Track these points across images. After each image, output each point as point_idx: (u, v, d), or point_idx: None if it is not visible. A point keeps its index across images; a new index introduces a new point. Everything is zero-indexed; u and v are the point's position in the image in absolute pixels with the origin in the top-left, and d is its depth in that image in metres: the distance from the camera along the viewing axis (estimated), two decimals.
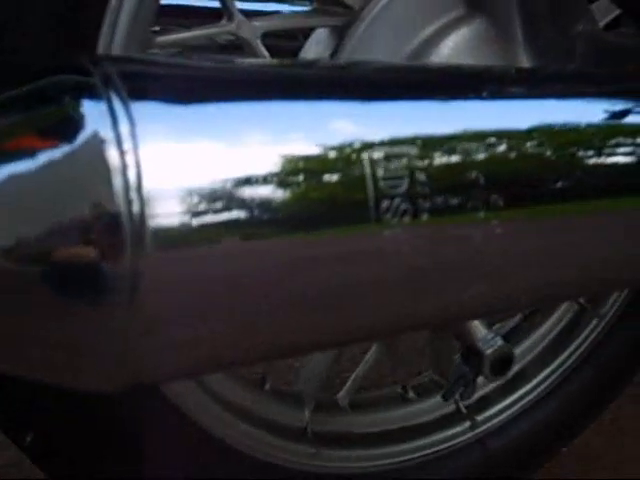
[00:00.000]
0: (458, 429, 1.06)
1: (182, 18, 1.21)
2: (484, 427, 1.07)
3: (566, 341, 1.13)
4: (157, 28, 0.79)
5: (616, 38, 0.84)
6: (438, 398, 1.05)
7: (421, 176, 0.45)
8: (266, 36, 0.80)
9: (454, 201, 0.46)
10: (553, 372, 1.12)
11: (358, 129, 0.45)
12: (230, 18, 0.78)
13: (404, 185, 0.45)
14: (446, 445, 1.05)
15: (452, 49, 0.79)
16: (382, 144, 0.45)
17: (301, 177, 0.43)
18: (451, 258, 0.48)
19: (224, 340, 0.42)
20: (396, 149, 0.46)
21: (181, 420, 0.83)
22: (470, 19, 0.81)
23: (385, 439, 1.02)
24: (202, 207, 0.40)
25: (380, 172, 0.44)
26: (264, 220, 0.41)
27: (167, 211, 0.39)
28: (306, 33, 0.87)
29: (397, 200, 0.44)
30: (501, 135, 0.51)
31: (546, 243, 0.53)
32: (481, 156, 0.48)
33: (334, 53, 0.78)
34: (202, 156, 0.40)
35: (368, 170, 0.43)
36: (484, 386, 1.10)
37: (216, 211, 0.40)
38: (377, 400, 1.05)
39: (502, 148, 0.51)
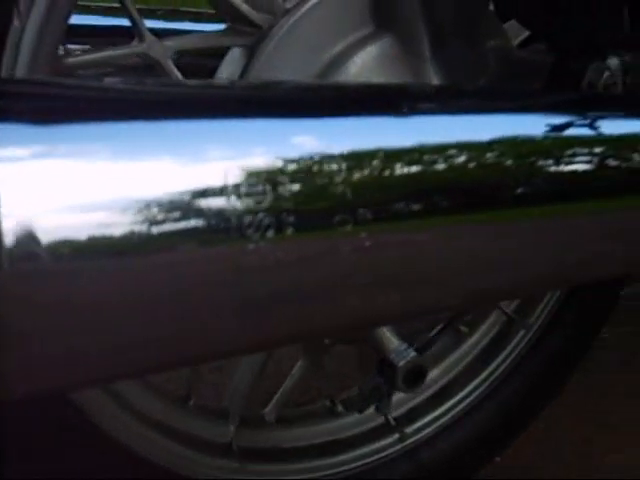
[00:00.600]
0: (387, 441, 1.07)
1: (92, 38, 1.22)
2: (413, 439, 1.08)
3: (495, 352, 1.14)
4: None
5: (527, 54, 0.86)
6: (367, 411, 1.06)
7: (285, 191, 0.46)
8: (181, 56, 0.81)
9: (320, 216, 0.47)
10: (483, 382, 1.14)
11: (223, 146, 0.47)
12: (141, 39, 0.79)
13: (267, 200, 0.46)
14: (375, 457, 1.06)
15: (360, 67, 0.80)
16: (244, 161, 0.46)
17: (161, 194, 0.44)
18: (318, 272, 0.49)
19: (76, 357, 0.43)
20: (259, 165, 0.47)
21: (101, 438, 0.83)
22: (378, 37, 0.82)
23: (313, 453, 1.03)
24: (55, 224, 0.41)
25: (243, 188, 0.45)
26: (125, 236, 0.42)
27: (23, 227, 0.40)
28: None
29: (260, 215, 0.46)
30: (368, 153, 0.52)
31: (410, 255, 0.54)
32: (347, 172, 0.50)
33: (243, 72, 0.79)
34: (55, 175, 0.41)
35: (231, 187, 0.45)
36: (413, 398, 1.11)
37: (71, 228, 0.41)
38: (305, 415, 1.06)
39: (367, 164, 0.52)
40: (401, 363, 0.82)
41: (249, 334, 0.48)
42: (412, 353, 0.82)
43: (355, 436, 1.06)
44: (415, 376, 0.83)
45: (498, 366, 1.13)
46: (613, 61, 0.89)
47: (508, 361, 1.14)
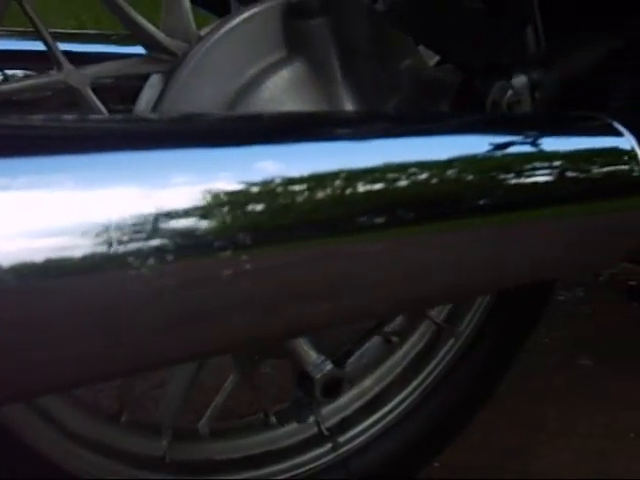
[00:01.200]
0: (320, 451, 1.10)
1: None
2: (346, 448, 1.11)
3: (425, 360, 1.17)
4: None
5: (440, 74, 0.89)
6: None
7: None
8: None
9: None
10: (414, 390, 1.17)
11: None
12: (59, 67, 0.81)
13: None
14: (309, 467, 1.09)
15: (272, 91, 0.83)
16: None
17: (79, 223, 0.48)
18: (225, 292, 0.53)
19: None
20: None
21: (32, 457, 0.85)
22: (290, 61, 0.85)
23: (247, 464, 1.06)
24: None
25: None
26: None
27: None
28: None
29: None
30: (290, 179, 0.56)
31: (320, 270, 0.57)
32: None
33: (159, 99, 0.81)
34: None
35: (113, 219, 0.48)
36: (346, 408, 1.14)
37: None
38: (239, 427, 1.08)
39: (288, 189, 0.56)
40: (318, 376, 0.85)
41: (168, 348, 0.51)
42: (329, 365, 0.85)
43: (289, 447, 1.09)
44: (333, 387, 0.86)
45: (429, 374, 1.17)
46: (519, 79, 0.92)
47: (438, 369, 1.17)
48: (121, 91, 0.95)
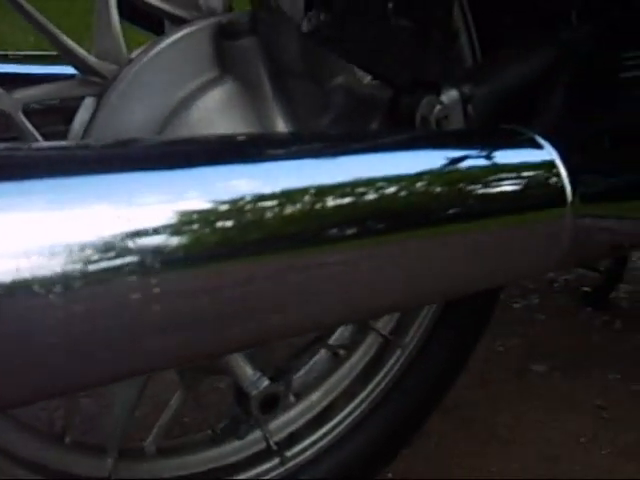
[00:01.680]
0: (268, 465, 1.11)
1: None
2: (294, 462, 1.12)
3: (373, 372, 1.19)
4: None
5: (371, 90, 0.90)
6: (248, 437, 1.09)
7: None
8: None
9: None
10: (362, 402, 1.18)
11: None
12: None
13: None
14: None
15: (204, 111, 0.84)
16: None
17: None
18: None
19: None
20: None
21: None
22: (221, 81, 0.86)
23: None
24: None
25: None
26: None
27: None
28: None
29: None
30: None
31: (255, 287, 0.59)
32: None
33: (90, 122, 0.82)
34: None
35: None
36: (294, 422, 1.15)
37: None
38: (186, 444, 1.09)
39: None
40: (254, 392, 0.86)
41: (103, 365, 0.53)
42: (265, 382, 0.86)
43: (237, 462, 1.09)
44: (269, 403, 0.87)
45: (377, 386, 1.18)
46: (450, 94, 0.94)
47: (386, 380, 1.18)
48: (59, 113, 0.96)
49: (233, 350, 0.76)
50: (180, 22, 0.87)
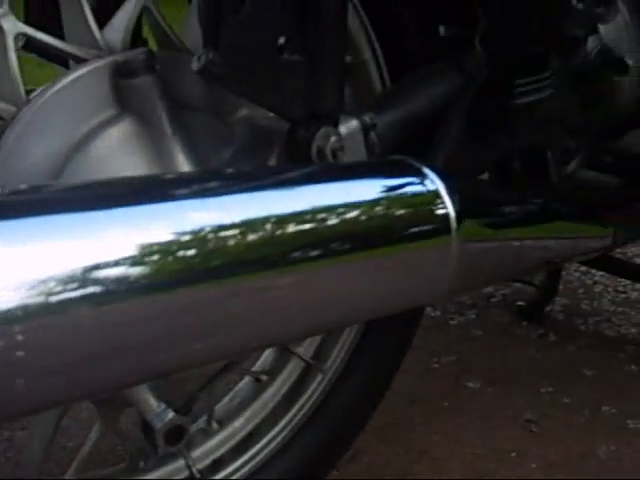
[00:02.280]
0: None
1: None
2: None
3: (295, 397, 1.20)
4: None
5: (270, 122, 0.92)
6: (171, 466, 1.11)
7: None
8: None
9: None
10: (286, 426, 1.20)
11: None
12: None
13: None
14: None
15: (103, 150, 0.86)
16: None
17: None
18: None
19: None
20: None
21: None
22: (120, 119, 0.87)
23: None
24: None
25: None
26: None
27: None
28: None
29: None
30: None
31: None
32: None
33: None
34: None
35: None
36: (217, 449, 1.16)
37: None
38: (110, 474, 1.10)
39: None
40: (159, 425, 0.87)
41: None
42: (170, 414, 0.87)
43: None
44: (175, 435, 0.88)
45: (299, 410, 1.20)
46: (350, 124, 0.96)
47: (309, 404, 1.20)
48: None
49: (141, 381, 0.77)
50: (81, 61, 0.89)
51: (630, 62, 1.31)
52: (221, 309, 0.71)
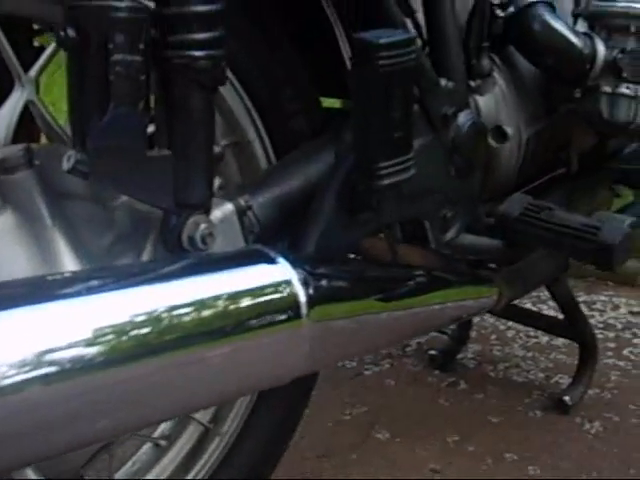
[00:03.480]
0: None
1: None
2: None
3: (194, 460, 1.26)
4: None
5: (147, 208, 0.98)
6: None
7: None
8: None
9: None
10: None
11: None
12: None
13: None
14: None
15: None
16: None
17: None
18: None
19: None
20: None
21: None
22: (1, 211, 0.93)
23: None
24: None
25: None
26: None
27: None
28: None
29: None
30: None
31: None
32: None
33: None
34: None
35: None
36: None
37: None
38: None
39: None
40: None
41: None
42: None
43: None
44: None
45: (198, 472, 1.25)
46: (225, 208, 1.03)
47: (207, 467, 1.26)
48: None
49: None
50: None
51: (508, 130, 1.39)
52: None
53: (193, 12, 0.88)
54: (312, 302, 0.85)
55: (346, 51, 1.19)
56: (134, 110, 0.84)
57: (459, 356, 2.09)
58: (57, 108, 1.12)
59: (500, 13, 1.37)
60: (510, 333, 2.23)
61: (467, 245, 1.33)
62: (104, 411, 0.79)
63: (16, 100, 1.00)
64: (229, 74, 1.07)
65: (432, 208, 1.23)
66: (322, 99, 1.30)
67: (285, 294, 0.85)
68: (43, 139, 1.10)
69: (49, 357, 0.71)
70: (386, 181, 1.01)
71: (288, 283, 0.85)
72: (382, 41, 0.97)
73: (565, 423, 1.83)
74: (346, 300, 0.94)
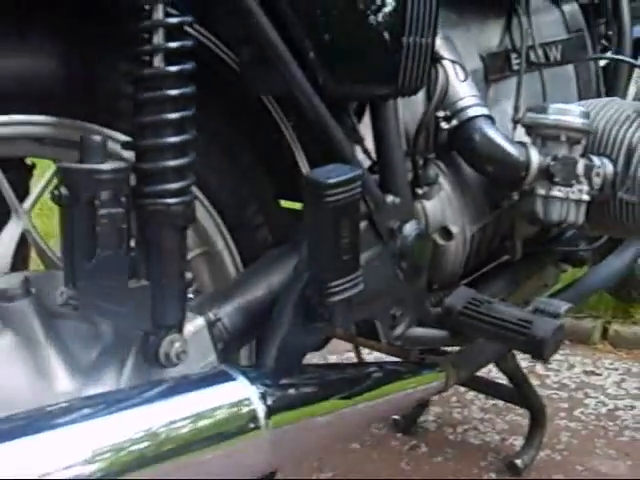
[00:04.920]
0: None
1: None
2: None
3: None
4: None
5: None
6: None
7: None
8: None
9: None
10: None
11: None
12: None
13: None
14: None
15: None
16: None
17: None
18: None
19: None
20: None
21: None
22: (1, 334, 1.09)
23: None
24: None
25: None
26: None
27: None
28: None
29: None
30: None
31: None
32: None
33: None
34: None
35: None
36: None
37: None
38: None
39: None
40: None
41: None
42: None
43: None
44: None
45: None
46: (197, 322, 1.19)
47: None
48: None
49: None
50: None
51: (454, 229, 1.56)
52: None
53: (166, 166, 1.05)
54: (270, 413, 1.01)
55: (302, 163, 1.36)
56: (118, 252, 1.01)
57: (421, 419, 2.24)
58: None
59: (445, 125, 1.53)
60: (469, 395, 2.39)
61: (416, 337, 1.49)
62: None
63: (13, 230, 1.15)
64: (200, 195, 1.24)
65: (381, 310, 1.40)
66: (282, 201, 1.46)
67: (244, 410, 1.01)
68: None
69: None
70: (337, 297, 1.18)
71: (248, 400, 1.01)
72: (330, 181, 1.13)
73: None
74: (303, 405, 1.10)
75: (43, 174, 1.21)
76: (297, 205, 1.46)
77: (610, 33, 2.11)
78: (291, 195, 1.46)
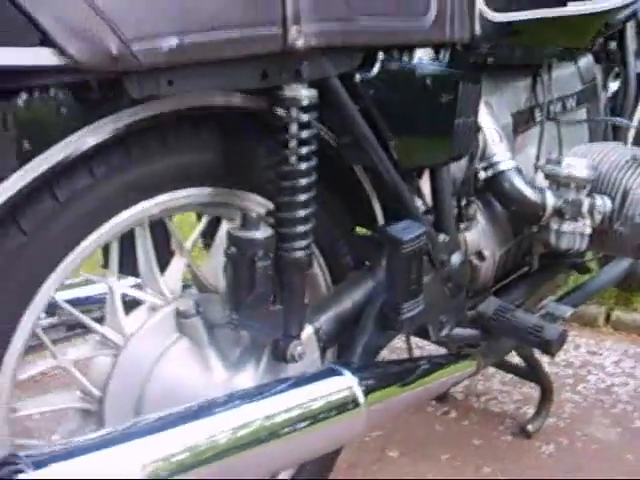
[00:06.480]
0: None
1: None
2: None
3: None
4: None
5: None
6: None
7: None
8: None
9: None
10: None
11: None
12: None
13: None
14: None
15: (173, 362, 1.61)
16: None
17: None
18: None
19: None
20: None
21: None
22: (179, 340, 1.63)
23: None
24: None
25: None
26: None
27: None
28: None
29: None
30: None
31: None
32: None
33: None
34: None
35: None
36: None
37: None
38: None
39: None
40: None
41: None
42: None
43: None
44: None
45: None
46: (308, 330, 1.73)
47: None
48: None
49: None
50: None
51: (486, 253, 2.09)
52: None
53: (297, 232, 1.58)
54: (366, 394, 1.55)
55: (378, 211, 1.89)
56: (266, 292, 1.54)
57: (451, 390, 2.77)
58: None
59: (483, 175, 2.05)
60: (491, 370, 2.91)
61: (457, 336, 2.03)
62: None
63: (178, 265, 1.68)
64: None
65: (433, 317, 1.93)
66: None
67: (349, 394, 1.55)
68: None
69: None
70: (406, 315, 1.71)
71: (350, 387, 1.55)
72: (405, 238, 1.66)
73: (528, 445, 2.51)
74: (386, 388, 1.64)
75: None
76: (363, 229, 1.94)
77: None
78: (363, 224, 1.97)
